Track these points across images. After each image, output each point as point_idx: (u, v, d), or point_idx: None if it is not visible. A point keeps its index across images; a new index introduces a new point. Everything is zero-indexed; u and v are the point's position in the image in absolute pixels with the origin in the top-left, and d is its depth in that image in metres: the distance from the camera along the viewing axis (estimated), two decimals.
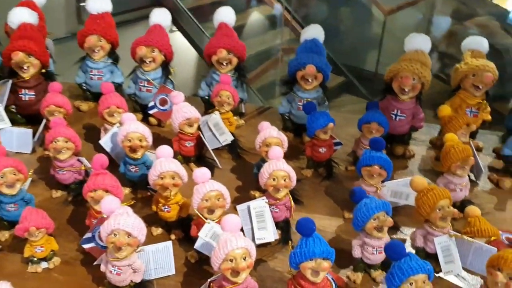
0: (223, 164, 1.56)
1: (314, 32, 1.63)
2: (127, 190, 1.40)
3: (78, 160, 1.35)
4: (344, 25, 4.56)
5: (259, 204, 1.22)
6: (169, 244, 1.15)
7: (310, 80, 1.58)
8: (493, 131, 1.81)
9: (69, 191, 1.37)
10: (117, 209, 1.02)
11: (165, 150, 1.22)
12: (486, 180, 1.56)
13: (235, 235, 0.97)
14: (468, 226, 1.22)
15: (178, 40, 3.59)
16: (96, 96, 1.81)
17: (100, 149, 1.50)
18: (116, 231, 0.99)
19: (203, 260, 1.20)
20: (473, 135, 1.63)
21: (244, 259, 0.95)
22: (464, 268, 1.18)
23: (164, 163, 1.18)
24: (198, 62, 4.18)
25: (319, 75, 1.57)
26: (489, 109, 1.64)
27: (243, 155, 1.62)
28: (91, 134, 1.65)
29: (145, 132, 1.34)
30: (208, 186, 1.12)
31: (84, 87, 1.80)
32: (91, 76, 1.76)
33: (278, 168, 1.19)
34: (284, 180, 1.19)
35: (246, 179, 1.50)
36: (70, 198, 1.36)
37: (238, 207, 1.24)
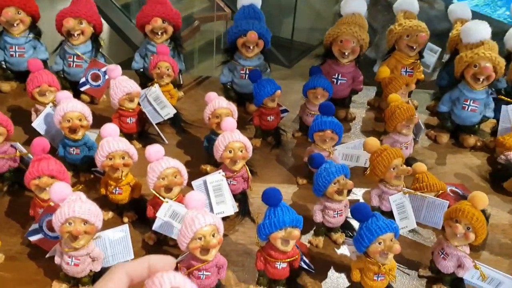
0: (168, 139, 1.50)
1: None
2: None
3: (12, 146, 1.23)
4: None
5: (215, 178, 1.18)
6: (126, 227, 1.08)
7: (251, 47, 1.54)
8: (423, 89, 1.88)
9: (4, 180, 1.25)
10: (69, 196, 0.94)
11: (111, 128, 1.14)
12: (425, 137, 1.63)
13: (201, 212, 0.93)
14: (416, 182, 1.26)
15: None
16: (18, 75, 1.67)
17: (32, 132, 1.39)
18: (71, 219, 0.91)
19: (162, 241, 1.15)
20: (408, 94, 1.69)
21: (213, 235, 0.92)
22: (417, 223, 1.22)
23: (112, 143, 1.11)
24: (109, 34, 3.99)
25: (260, 41, 1.53)
26: (422, 68, 1.70)
27: (187, 129, 1.56)
28: (18, 117, 1.51)
29: (85, 110, 1.24)
30: (163, 163, 1.06)
31: (4, 66, 1.64)
32: (11, 53, 1.60)
33: (233, 139, 1.15)
34: (241, 152, 1.16)
35: (194, 153, 1.45)
36: (6, 188, 1.24)
37: (194, 182, 1.19)
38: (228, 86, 1.66)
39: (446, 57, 1.78)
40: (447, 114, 1.58)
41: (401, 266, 1.15)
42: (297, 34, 4.86)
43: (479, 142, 1.58)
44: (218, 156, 1.17)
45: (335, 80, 1.60)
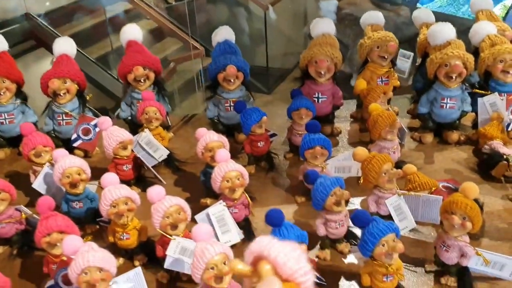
0: (165, 180, 1.54)
1: (225, 34, 1.66)
2: None
3: (16, 209, 1.26)
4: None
5: (217, 209, 1.23)
6: (139, 270, 1.11)
7: (232, 81, 1.60)
8: (401, 94, 1.95)
9: (12, 244, 1.28)
10: (81, 247, 0.97)
11: (111, 178, 1.18)
12: (410, 139, 1.69)
13: (209, 242, 0.97)
14: (409, 183, 1.31)
15: None
16: (10, 141, 1.71)
17: (32, 194, 1.42)
18: (87, 269, 0.95)
19: (175, 278, 1.18)
20: (387, 102, 1.75)
21: (225, 263, 0.95)
22: (416, 222, 1.27)
23: (113, 191, 1.15)
24: (88, 86, 4.02)
25: (239, 74, 1.60)
26: (396, 75, 1.78)
27: (181, 167, 1.61)
28: (17, 181, 1.54)
29: (83, 164, 1.28)
30: (166, 202, 1.10)
31: None
32: (1, 121, 1.64)
33: (229, 169, 1.20)
34: (238, 179, 1.20)
35: (192, 189, 1.49)
36: (16, 251, 1.27)
37: (197, 216, 1.23)
38: (216, 120, 1.71)
39: (419, 61, 1.86)
40: (428, 115, 1.64)
41: (408, 265, 1.19)
42: (271, 61, 4.97)
43: (462, 137, 1.64)
44: (217, 187, 1.22)
45: (316, 99, 1.66)
